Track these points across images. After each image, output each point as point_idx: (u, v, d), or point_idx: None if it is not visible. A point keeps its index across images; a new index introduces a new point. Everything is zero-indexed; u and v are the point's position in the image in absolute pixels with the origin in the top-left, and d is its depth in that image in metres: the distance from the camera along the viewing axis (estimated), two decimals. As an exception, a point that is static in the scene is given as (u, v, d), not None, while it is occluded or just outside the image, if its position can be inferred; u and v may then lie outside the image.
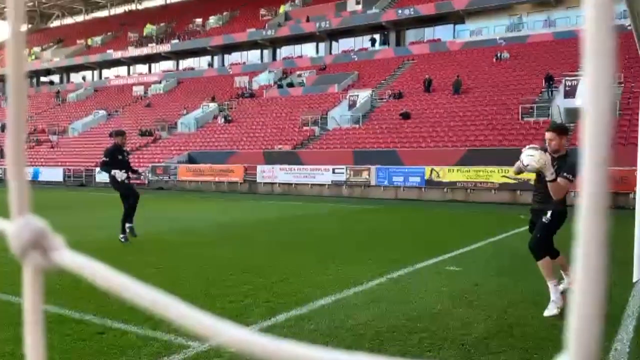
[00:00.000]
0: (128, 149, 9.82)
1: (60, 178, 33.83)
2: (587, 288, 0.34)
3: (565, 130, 5.14)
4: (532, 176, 5.33)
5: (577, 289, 0.35)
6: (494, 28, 36.33)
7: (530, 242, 5.00)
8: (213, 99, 40.04)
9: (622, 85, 25.67)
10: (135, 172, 9.69)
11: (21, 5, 0.47)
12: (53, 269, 0.45)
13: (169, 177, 29.89)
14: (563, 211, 4.90)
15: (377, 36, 41.69)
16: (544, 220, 4.93)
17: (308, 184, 25.70)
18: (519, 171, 5.00)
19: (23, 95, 0.45)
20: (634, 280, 5.96)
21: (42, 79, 60.48)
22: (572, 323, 0.34)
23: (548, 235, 4.97)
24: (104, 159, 9.09)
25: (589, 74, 0.34)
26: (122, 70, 55.60)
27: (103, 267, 0.44)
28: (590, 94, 0.34)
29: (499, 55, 33.34)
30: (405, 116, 28.70)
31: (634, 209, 6.35)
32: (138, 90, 48.38)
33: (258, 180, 27.09)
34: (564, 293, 4.91)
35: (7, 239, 0.45)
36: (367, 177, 24.19)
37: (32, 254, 0.45)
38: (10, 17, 0.47)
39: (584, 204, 0.34)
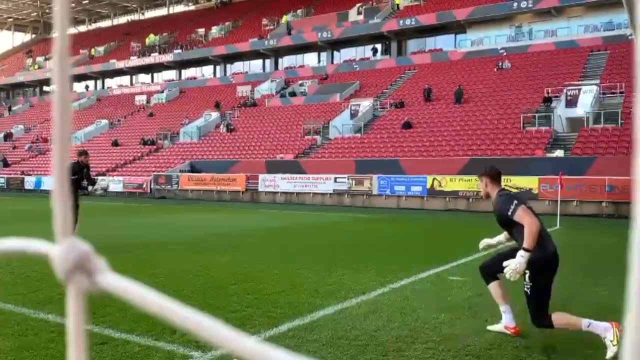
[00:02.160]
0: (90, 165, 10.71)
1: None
2: None
3: (491, 175, 4.59)
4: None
5: (631, 315, 0.34)
6: (495, 38, 36.47)
7: (532, 319, 4.24)
8: (217, 106, 40.11)
9: (624, 94, 25.71)
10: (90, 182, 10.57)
11: (67, 11, 0.47)
12: (96, 291, 0.46)
13: (171, 187, 29.92)
14: (540, 259, 4.18)
15: (378, 46, 41.88)
16: (525, 288, 4.23)
17: (310, 193, 25.70)
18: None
19: (68, 130, 0.48)
20: None
21: (45, 88, 60.81)
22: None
23: (540, 300, 4.19)
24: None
25: None
26: (124, 79, 55.89)
27: (146, 290, 0.45)
28: None
29: (500, 64, 33.43)
30: (407, 125, 28.74)
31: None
32: (140, 99, 48.59)
33: (260, 189, 27.11)
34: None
35: (53, 262, 0.47)
36: (369, 186, 24.19)
37: (76, 276, 0.46)
38: (56, 23, 0.47)
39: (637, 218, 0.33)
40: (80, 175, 10.00)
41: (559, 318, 4.18)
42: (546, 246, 4.25)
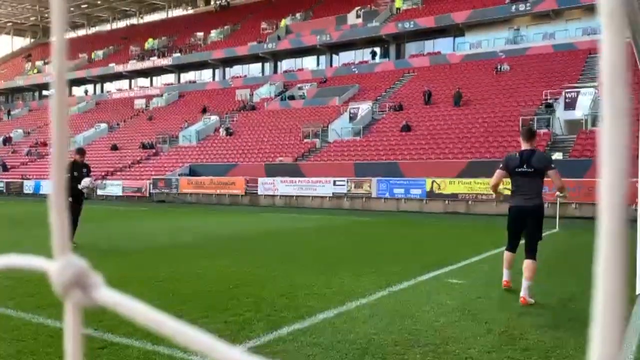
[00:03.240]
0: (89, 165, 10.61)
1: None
2: (608, 314, 0.35)
3: (521, 133, 5.99)
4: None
5: (598, 313, 0.36)
6: (493, 40, 36.54)
7: None
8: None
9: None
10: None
11: (64, 14, 0.48)
12: (92, 306, 0.48)
13: (170, 190, 29.91)
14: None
15: (377, 49, 41.93)
16: None
17: (309, 196, 25.69)
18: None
19: (65, 147, 0.50)
20: (637, 293, 5.93)
21: (45, 92, 60.82)
22: (594, 346, 0.35)
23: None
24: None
25: (606, 93, 0.36)
26: (123, 83, 55.93)
27: (140, 305, 0.46)
28: (607, 111, 0.35)
29: (499, 67, 33.49)
30: (406, 128, 28.76)
31: (635, 220, 6.33)
32: (140, 103, 48.60)
33: (259, 192, 27.09)
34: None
35: (50, 277, 0.48)
36: (368, 189, 24.19)
37: (73, 292, 0.47)
38: (53, 27, 0.49)
39: (603, 218, 0.35)
40: (78, 175, 9.79)
41: (506, 257, 5.92)
42: (510, 201, 5.77)
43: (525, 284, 5.43)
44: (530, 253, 5.59)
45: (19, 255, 0.53)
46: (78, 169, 9.89)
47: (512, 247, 5.88)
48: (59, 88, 0.47)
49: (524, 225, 5.70)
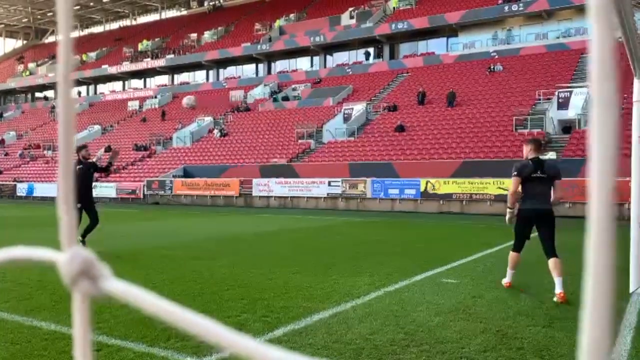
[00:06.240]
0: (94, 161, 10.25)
1: (55, 193, 33.46)
2: (597, 309, 0.37)
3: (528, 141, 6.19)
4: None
5: (587, 309, 0.38)
6: (486, 41, 36.69)
7: None
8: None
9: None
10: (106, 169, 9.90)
11: (70, 15, 0.50)
12: (100, 295, 0.48)
13: (165, 192, 29.82)
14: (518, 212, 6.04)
15: (371, 50, 42.02)
16: None
17: (304, 197, 25.70)
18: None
19: (71, 140, 0.50)
20: (631, 290, 5.98)
21: (37, 94, 60.52)
22: (584, 344, 0.37)
23: (515, 237, 6.16)
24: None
25: (595, 91, 0.38)
26: (117, 85, 55.76)
27: (148, 294, 0.47)
28: (596, 110, 0.37)
29: (492, 67, 33.62)
30: (400, 129, 28.82)
31: (628, 219, 6.38)
32: (133, 105, 48.47)
33: (254, 193, 27.08)
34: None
35: (59, 268, 0.49)
36: (363, 189, 24.22)
37: (81, 282, 0.48)
38: (60, 27, 0.51)
39: (591, 217, 0.37)
40: (87, 172, 9.24)
41: (513, 258, 6.17)
42: (521, 205, 6.00)
43: (559, 280, 5.73)
44: (553, 252, 5.85)
45: (25, 247, 0.53)
46: (85, 169, 9.34)
47: (520, 248, 6.13)
48: (64, 85, 0.50)
49: (532, 227, 6.04)
